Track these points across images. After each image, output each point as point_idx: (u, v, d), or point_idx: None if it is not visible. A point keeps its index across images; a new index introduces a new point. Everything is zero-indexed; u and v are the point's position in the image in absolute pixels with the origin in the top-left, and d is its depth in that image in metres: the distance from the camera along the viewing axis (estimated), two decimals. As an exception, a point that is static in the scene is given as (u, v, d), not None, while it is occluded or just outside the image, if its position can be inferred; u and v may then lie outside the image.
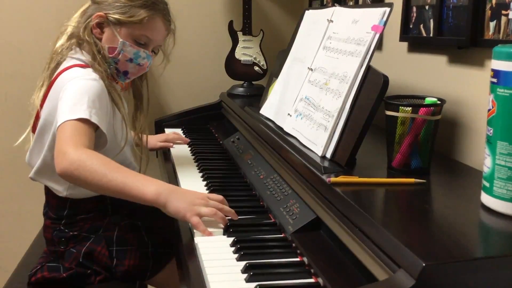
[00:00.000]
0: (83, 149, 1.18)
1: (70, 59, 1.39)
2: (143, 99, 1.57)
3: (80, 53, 1.40)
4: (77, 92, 1.27)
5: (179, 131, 2.12)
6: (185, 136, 2.02)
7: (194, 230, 1.17)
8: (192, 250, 1.11)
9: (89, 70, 1.36)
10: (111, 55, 1.41)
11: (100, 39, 1.41)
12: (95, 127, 1.25)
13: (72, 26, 1.43)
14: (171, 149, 1.88)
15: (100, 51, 1.39)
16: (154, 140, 1.88)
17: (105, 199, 1.41)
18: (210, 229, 1.16)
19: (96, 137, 1.27)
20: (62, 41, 1.43)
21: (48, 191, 1.44)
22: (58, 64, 1.40)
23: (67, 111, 1.23)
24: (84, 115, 1.22)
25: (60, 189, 1.38)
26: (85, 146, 1.19)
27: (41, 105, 1.38)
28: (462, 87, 1.30)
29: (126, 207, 1.47)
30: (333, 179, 1.06)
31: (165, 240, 1.45)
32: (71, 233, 1.39)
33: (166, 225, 1.40)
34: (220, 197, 1.23)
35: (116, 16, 1.38)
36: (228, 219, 1.20)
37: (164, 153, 1.87)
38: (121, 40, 1.40)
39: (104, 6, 1.40)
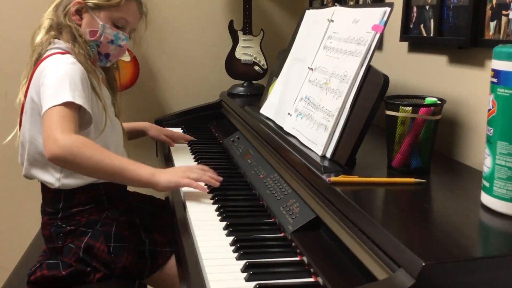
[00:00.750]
0: (73, 135, 1.24)
1: (50, 50, 1.42)
2: (117, 86, 1.62)
3: (59, 43, 1.43)
4: (58, 76, 1.31)
5: (179, 130, 2.11)
6: (185, 136, 2.03)
7: (195, 231, 1.17)
8: (192, 249, 1.11)
9: (68, 55, 1.39)
10: (92, 38, 1.45)
11: (80, 25, 1.45)
12: (79, 108, 1.30)
13: (49, 19, 1.46)
14: (171, 148, 1.88)
15: (81, 35, 1.43)
16: (159, 132, 1.91)
17: (99, 189, 1.43)
18: (210, 232, 1.17)
19: (81, 116, 1.31)
20: (41, 35, 1.45)
21: (43, 187, 1.45)
22: (40, 56, 1.42)
23: (50, 97, 1.28)
24: (68, 98, 1.27)
25: (52, 181, 1.39)
26: (73, 132, 1.25)
27: (25, 96, 1.42)
28: (462, 87, 1.30)
29: (122, 200, 1.48)
30: (333, 178, 1.06)
31: (163, 239, 1.46)
32: (68, 228, 1.39)
33: (164, 225, 1.40)
34: (203, 166, 1.42)
35: (95, 1, 1.43)
36: (227, 220, 1.21)
37: (164, 153, 1.88)
38: (101, 23, 1.44)
39: None
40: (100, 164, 1.24)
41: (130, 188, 1.59)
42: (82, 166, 1.24)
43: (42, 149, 1.37)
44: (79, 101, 1.28)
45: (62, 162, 1.25)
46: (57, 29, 1.44)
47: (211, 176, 1.37)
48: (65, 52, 1.41)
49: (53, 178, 1.40)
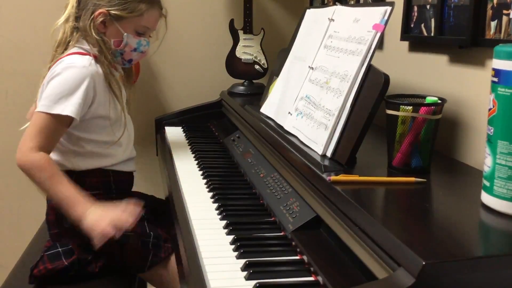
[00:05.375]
0: (37, 155, 1.32)
1: (73, 48, 1.46)
2: (133, 78, 1.67)
3: (82, 43, 1.47)
4: (63, 82, 1.37)
5: (179, 129, 2.12)
6: (186, 135, 2.03)
7: (195, 230, 1.17)
8: (192, 248, 1.11)
9: (86, 57, 1.42)
10: (117, 48, 1.49)
11: (104, 33, 1.48)
12: (70, 119, 1.37)
13: (72, 23, 1.47)
14: (172, 147, 1.88)
15: (107, 46, 1.47)
16: None
17: (108, 175, 1.47)
18: (210, 230, 1.18)
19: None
20: (66, 31, 1.47)
21: None
22: (64, 51, 1.46)
23: (46, 100, 1.35)
24: (60, 111, 1.34)
25: (66, 163, 1.44)
26: (44, 149, 1.33)
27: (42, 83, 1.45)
28: (463, 86, 1.30)
29: (128, 193, 1.52)
30: (333, 177, 1.06)
31: (166, 236, 1.47)
32: None
33: (168, 222, 1.41)
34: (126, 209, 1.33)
35: (117, 12, 1.46)
36: (227, 219, 1.23)
37: (164, 152, 1.88)
38: (125, 34, 1.48)
39: (104, 3, 1.45)
40: (46, 191, 1.35)
41: (134, 188, 1.63)
42: (35, 183, 1.35)
43: None
44: (70, 111, 1.34)
45: (24, 173, 1.35)
46: (83, 33, 1.46)
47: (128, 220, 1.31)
48: (86, 53, 1.44)
49: (67, 160, 1.44)
